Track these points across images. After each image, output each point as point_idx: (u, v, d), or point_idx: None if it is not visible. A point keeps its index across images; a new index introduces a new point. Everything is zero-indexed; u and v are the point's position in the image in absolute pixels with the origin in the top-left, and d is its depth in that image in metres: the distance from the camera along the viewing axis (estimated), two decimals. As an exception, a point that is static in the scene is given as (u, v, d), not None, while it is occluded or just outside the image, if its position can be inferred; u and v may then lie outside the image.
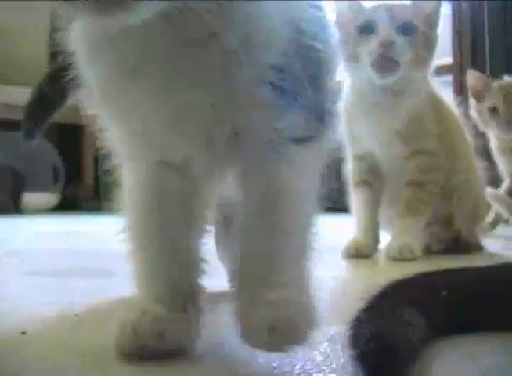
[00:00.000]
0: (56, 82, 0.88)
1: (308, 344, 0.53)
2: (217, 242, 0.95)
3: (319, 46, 0.61)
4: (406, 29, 1.40)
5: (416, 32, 1.40)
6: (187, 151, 0.60)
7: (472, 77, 1.79)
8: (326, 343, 0.61)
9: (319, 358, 0.56)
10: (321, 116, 0.62)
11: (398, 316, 0.55)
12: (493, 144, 1.85)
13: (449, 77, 1.83)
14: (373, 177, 1.48)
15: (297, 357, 0.56)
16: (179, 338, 0.58)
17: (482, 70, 1.98)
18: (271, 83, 0.56)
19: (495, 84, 1.80)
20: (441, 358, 0.57)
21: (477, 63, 2.65)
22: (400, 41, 1.38)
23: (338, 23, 1.40)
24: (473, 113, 1.80)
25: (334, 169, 1.58)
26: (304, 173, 0.61)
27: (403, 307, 0.58)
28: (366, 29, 1.40)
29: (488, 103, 1.76)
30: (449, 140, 1.49)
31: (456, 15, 3.18)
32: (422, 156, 1.44)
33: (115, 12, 0.46)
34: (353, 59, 1.41)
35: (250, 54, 0.55)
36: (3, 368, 0.55)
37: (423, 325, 0.56)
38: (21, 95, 3.35)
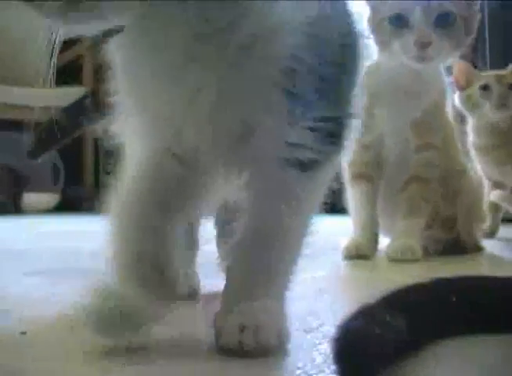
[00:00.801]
0: (72, 116, 0.90)
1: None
2: (218, 247, 0.94)
3: (339, 53, 0.60)
4: (443, 21, 1.33)
5: (454, 21, 1.34)
6: (195, 142, 0.61)
7: (461, 66, 1.80)
8: (326, 343, 0.61)
9: (320, 359, 0.56)
10: (335, 133, 0.62)
11: (377, 319, 0.55)
12: (471, 139, 1.84)
13: (449, 79, 1.83)
14: (374, 171, 1.46)
15: (298, 358, 0.57)
16: (142, 317, 0.60)
17: (482, 70, 1.97)
18: (283, 85, 0.56)
19: (484, 73, 1.83)
20: (440, 358, 0.57)
21: (477, 63, 2.65)
22: (437, 37, 1.32)
23: (368, 5, 1.36)
24: (458, 101, 1.80)
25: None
26: (306, 201, 0.63)
27: (387, 311, 0.57)
28: (398, 21, 1.34)
29: (480, 82, 1.78)
30: (447, 140, 1.49)
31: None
32: (430, 150, 1.42)
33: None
34: (383, 45, 1.37)
35: (263, 49, 0.55)
36: (3, 368, 0.55)
37: (404, 327, 0.55)
38: (21, 95, 3.35)
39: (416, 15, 1.32)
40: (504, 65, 1.84)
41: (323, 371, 0.52)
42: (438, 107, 1.44)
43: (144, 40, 0.57)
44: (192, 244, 0.89)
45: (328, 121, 0.60)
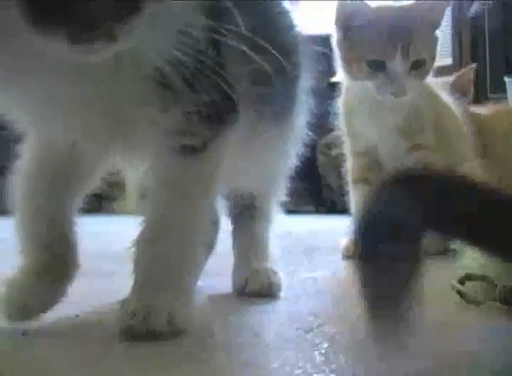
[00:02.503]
0: None
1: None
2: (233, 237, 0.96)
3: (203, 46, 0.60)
4: (417, 65, 1.37)
5: (425, 63, 1.38)
6: (76, 138, 0.67)
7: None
8: (326, 343, 0.61)
9: (320, 358, 0.56)
10: (212, 118, 0.64)
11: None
12: None
13: (450, 78, 1.84)
14: (372, 174, 1.47)
15: (298, 358, 0.57)
16: (42, 303, 0.70)
17: (482, 70, 1.97)
18: (154, 78, 0.59)
19: None
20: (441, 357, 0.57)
21: (477, 63, 2.66)
22: (412, 81, 1.36)
23: (338, 24, 1.38)
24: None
25: (336, 170, 1.57)
26: (196, 186, 0.67)
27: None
28: (377, 66, 1.36)
29: None
30: (447, 138, 1.50)
31: (456, 15, 3.18)
32: (421, 150, 1.44)
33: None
34: (356, 79, 1.40)
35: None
36: (3, 368, 0.55)
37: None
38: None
39: (396, 64, 1.34)
40: (504, 67, 1.84)
41: (323, 371, 0.52)
42: (422, 111, 1.46)
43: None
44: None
45: (203, 107, 0.63)
